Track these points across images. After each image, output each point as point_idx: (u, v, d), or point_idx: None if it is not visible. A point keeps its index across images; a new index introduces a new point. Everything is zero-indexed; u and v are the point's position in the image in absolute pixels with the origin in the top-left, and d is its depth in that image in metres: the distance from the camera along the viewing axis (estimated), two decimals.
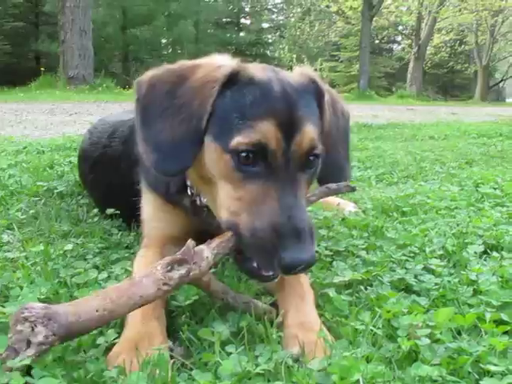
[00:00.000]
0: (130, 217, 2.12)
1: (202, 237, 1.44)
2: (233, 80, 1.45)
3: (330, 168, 1.60)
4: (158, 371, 1.11)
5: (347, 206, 2.79)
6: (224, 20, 37.33)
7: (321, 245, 2.04)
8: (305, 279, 1.63)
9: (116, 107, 11.88)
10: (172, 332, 1.37)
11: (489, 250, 2.11)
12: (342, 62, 41.94)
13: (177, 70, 1.54)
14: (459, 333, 1.42)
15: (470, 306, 1.60)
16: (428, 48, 36.84)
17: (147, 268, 1.30)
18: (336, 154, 1.63)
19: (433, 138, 6.34)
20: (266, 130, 1.36)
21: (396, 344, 1.32)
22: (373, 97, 27.92)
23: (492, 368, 1.21)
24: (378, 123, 7.58)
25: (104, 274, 1.68)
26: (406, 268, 1.87)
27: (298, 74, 1.59)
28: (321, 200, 2.76)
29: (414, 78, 33.56)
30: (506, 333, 1.41)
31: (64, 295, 1.50)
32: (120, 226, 2.24)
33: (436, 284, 1.74)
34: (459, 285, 1.74)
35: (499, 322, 1.47)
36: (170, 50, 38.17)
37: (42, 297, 1.49)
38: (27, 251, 1.84)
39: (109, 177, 2.28)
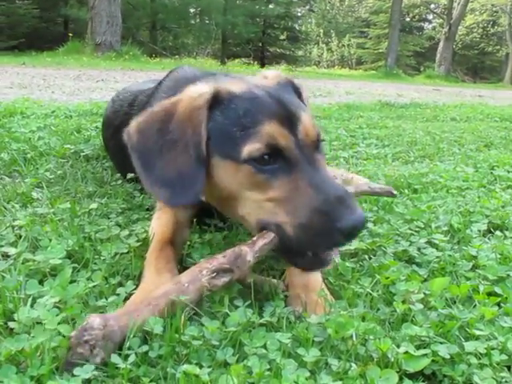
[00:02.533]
0: None
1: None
2: (216, 101, 1.52)
3: None
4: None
5: (360, 181, 2.88)
6: None
7: None
8: None
9: (142, 75, 11.99)
10: None
11: (492, 230, 2.20)
12: (370, 38, 41.34)
13: (160, 110, 1.59)
14: (454, 302, 1.52)
15: (467, 278, 1.70)
16: (459, 28, 36.21)
17: (192, 272, 1.36)
18: None
19: (454, 119, 6.36)
20: (271, 131, 1.44)
21: (392, 307, 1.43)
22: (400, 76, 27.64)
23: (477, 332, 1.32)
24: (401, 102, 7.57)
25: (126, 232, 1.81)
26: (410, 241, 1.97)
27: (268, 77, 1.72)
28: (335, 173, 2.89)
29: (443, 58, 33.05)
30: (497, 304, 1.51)
31: (88, 248, 1.63)
32: (141, 190, 2.36)
33: (437, 257, 1.84)
34: (459, 259, 1.83)
35: (492, 295, 1.57)
36: (198, 20, 38.01)
37: (69, 248, 1.62)
38: (55, 208, 1.97)
39: None
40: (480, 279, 1.68)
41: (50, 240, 1.65)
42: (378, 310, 1.44)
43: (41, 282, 1.44)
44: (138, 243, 1.68)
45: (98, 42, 21.73)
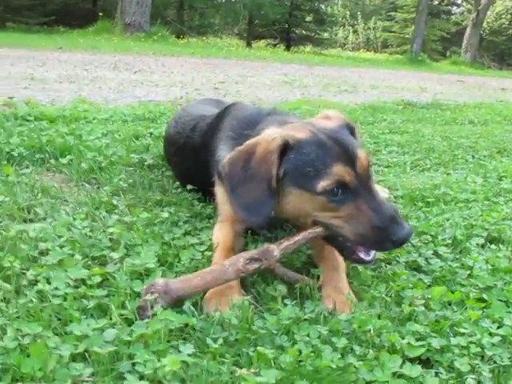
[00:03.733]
0: (206, 193, 2.77)
1: None
2: (287, 146, 2.03)
3: None
4: (241, 311, 1.74)
5: (382, 191, 3.34)
6: None
7: None
8: (336, 253, 2.23)
9: (174, 62, 12.50)
10: (245, 288, 2.00)
11: (489, 243, 2.66)
12: (397, 22, 41.19)
13: (244, 150, 2.12)
14: (450, 304, 2.00)
15: (462, 285, 2.17)
16: (488, 13, 35.98)
17: (233, 258, 1.91)
18: None
19: (472, 122, 6.76)
20: (339, 171, 1.96)
21: (401, 308, 1.91)
22: (425, 62, 27.72)
23: (463, 330, 1.80)
24: (422, 102, 7.97)
25: (195, 239, 2.31)
26: (419, 252, 2.44)
27: (331, 118, 2.22)
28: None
29: (469, 44, 32.99)
30: (483, 308, 1.99)
31: (172, 254, 2.14)
32: (199, 199, 2.86)
33: (440, 267, 2.31)
34: (458, 269, 2.30)
35: (480, 300, 2.04)
36: (225, 0, 38.19)
37: (156, 254, 2.12)
38: (136, 216, 2.48)
39: (189, 161, 2.90)
40: (472, 287, 2.15)
41: (141, 246, 2.17)
42: (391, 309, 1.92)
43: (141, 280, 1.96)
44: (210, 252, 2.17)
45: (128, 22, 22.17)
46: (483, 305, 2.00)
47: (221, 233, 2.32)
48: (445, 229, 2.74)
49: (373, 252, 2.05)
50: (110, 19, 23.11)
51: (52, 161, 3.20)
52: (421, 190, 3.36)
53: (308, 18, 35.18)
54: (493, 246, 2.60)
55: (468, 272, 2.28)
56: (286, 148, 2.03)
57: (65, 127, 3.88)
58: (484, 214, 3.03)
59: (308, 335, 1.69)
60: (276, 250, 1.92)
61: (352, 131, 2.21)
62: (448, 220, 2.89)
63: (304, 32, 34.67)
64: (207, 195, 2.79)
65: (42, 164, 3.20)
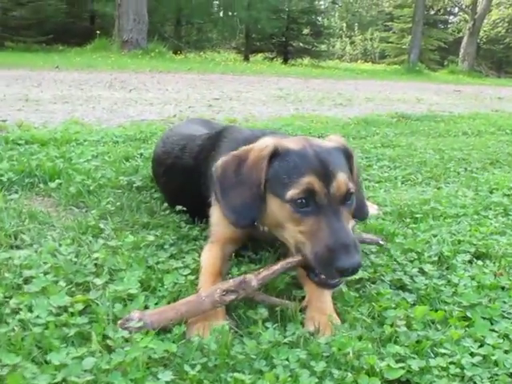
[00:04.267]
0: (195, 214, 2.78)
1: (254, 240, 2.26)
2: (276, 153, 2.10)
3: (357, 205, 2.21)
4: (221, 336, 1.74)
5: (371, 208, 3.35)
6: None
7: None
8: None
9: (170, 79, 12.56)
10: (229, 311, 2.01)
11: (475, 259, 2.66)
12: (394, 32, 41.45)
13: (237, 155, 2.20)
14: (433, 323, 2.01)
15: (446, 303, 2.17)
16: (485, 22, 36.16)
17: (211, 290, 1.92)
18: (359, 195, 2.29)
19: (466, 133, 6.78)
20: (309, 181, 1.99)
21: (382, 329, 1.92)
22: (422, 72, 27.86)
23: (443, 350, 1.80)
24: (417, 114, 8.00)
25: (179, 263, 2.32)
26: (404, 270, 2.45)
27: (331, 140, 2.26)
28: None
29: (466, 53, 33.17)
30: (466, 326, 1.99)
31: (155, 279, 2.15)
32: (187, 220, 2.87)
33: (425, 285, 2.31)
34: (443, 286, 2.31)
35: (463, 319, 2.05)
36: (222, 15, 38.44)
37: (139, 279, 2.13)
38: (121, 240, 2.49)
39: (179, 182, 2.91)
40: (456, 305, 2.15)
41: (125, 270, 2.18)
42: (372, 331, 1.92)
43: (124, 305, 1.97)
44: (194, 276, 2.18)
45: (125, 39, 22.35)
46: (466, 323, 2.01)
47: (210, 254, 2.33)
48: (431, 245, 2.75)
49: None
50: (107, 37, 23.30)
51: (41, 185, 3.23)
52: (409, 206, 3.37)
53: (305, 31, 35.44)
54: (479, 262, 2.60)
55: (453, 289, 2.29)
56: (275, 155, 2.11)
57: (55, 150, 3.91)
58: (472, 229, 3.04)
59: (287, 359, 1.70)
60: (254, 280, 1.93)
61: (348, 157, 2.23)
62: (435, 236, 2.90)
63: (301, 45, 34.94)
64: (195, 217, 2.81)
65: (31, 188, 3.21)
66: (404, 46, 36.77)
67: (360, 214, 2.35)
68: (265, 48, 35.08)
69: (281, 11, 34.60)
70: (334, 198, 2.01)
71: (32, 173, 3.32)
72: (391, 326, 1.93)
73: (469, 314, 2.09)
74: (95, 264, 2.27)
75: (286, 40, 34.77)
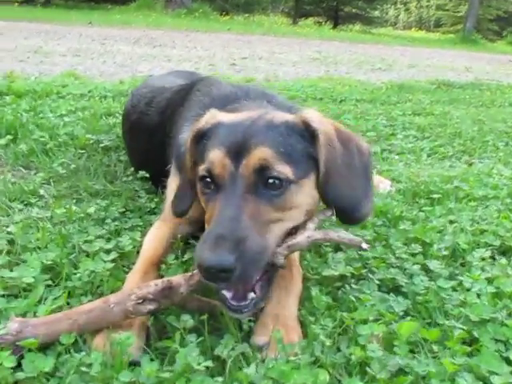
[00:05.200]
0: (158, 182, 2.27)
1: None
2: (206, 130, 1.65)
3: (342, 204, 1.63)
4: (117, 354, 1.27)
5: (382, 183, 2.81)
6: None
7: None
8: (297, 270, 1.73)
9: (205, 38, 12.02)
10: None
11: (499, 255, 2.10)
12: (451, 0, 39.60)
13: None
14: (423, 346, 1.48)
15: (449, 316, 1.64)
16: None
17: (123, 294, 1.43)
18: (348, 190, 1.64)
19: None
20: (212, 158, 1.51)
21: (350, 351, 1.40)
22: (478, 42, 26.50)
23: None
24: (461, 82, 7.26)
25: (110, 244, 1.83)
26: (402, 267, 1.91)
27: (294, 115, 1.66)
28: None
29: None
30: (469, 353, 1.45)
31: (67, 264, 1.67)
32: (149, 189, 2.39)
33: (425, 288, 1.77)
34: (450, 291, 1.76)
35: (467, 343, 1.51)
36: None
37: (48, 262, 1.66)
38: (52, 211, 2.02)
39: (142, 142, 2.42)
40: (461, 320, 1.60)
41: (34, 251, 1.71)
42: (336, 352, 1.41)
43: (16, 297, 1.52)
44: (113, 264, 1.69)
45: None
46: (470, 349, 1.46)
47: (155, 235, 1.86)
48: (445, 235, 2.19)
49: (251, 295, 1.47)
50: None
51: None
52: (428, 184, 2.79)
53: None
54: (503, 261, 2.03)
55: (462, 297, 1.73)
56: (205, 133, 1.66)
57: (30, 103, 3.45)
58: (501, 216, 2.45)
59: None
60: (183, 285, 1.44)
61: (310, 138, 1.61)
62: (452, 223, 2.33)
63: (353, 10, 33.74)
64: (159, 185, 2.30)
65: None
66: (461, 14, 35.08)
67: (348, 217, 1.69)
68: (314, 12, 34.06)
69: None
70: (242, 180, 1.47)
71: None
72: (362, 348, 1.41)
73: (476, 335, 1.54)
74: (7, 240, 1.81)
75: (337, 4, 33.64)
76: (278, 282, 1.65)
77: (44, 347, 1.32)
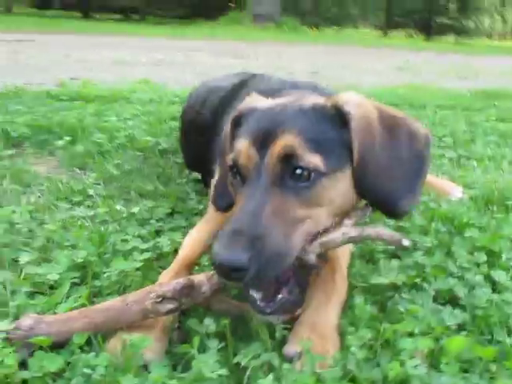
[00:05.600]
0: (208, 183, 2.19)
1: None
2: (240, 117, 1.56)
3: (378, 198, 1.46)
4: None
5: (453, 190, 2.60)
6: None
7: None
8: (341, 277, 1.59)
9: (288, 50, 11.99)
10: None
11: None
12: None
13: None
14: (476, 365, 1.30)
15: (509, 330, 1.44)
16: None
17: (142, 292, 1.34)
18: (388, 183, 1.45)
19: None
20: (238, 147, 1.39)
21: (388, 367, 1.24)
22: None
23: None
24: None
25: (149, 244, 1.76)
26: (463, 277, 1.71)
27: (326, 100, 1.50)
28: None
29: None
30: None
31: (98, 263, 1.61)
32: (201, 191, 2.32)
33: (487, 301, 1.57)
34: None
35: None
36: None
37: (80, 260, 1.60)
38: (96, 210, 1.98)
39: (195, 142, 2.36)
40: None
41: (66, 248, 1.67)
42: (372, 369, 1.26)
43: (43, 295, 1.47)
44: (144, 263, 1.61)
45: (258, 12, 22.16)
46: None
47: (194, 236, 1.76)
48: None
49: (279, 297, 1.34)
50: (241, 10, 23.27)
51: (56, 142, 2.80)
52: (504, 190, 2.55)
53: (451, 6, 33.33)
54: None
55: None
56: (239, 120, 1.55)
57: (96, 107, 3.48)
58: None
59: None
60: (206, 284, 1.34)
61: (341, 122, 1.44)
62: None
63: (446, 21, 32.85)
64: (208, 187, 2.23)
65: (43, 146, 2.80)
66: None
67: (388, 209, 1.50)
68: (406, 24, 33.43)
69: None
70: (267, 171, 1.33)
71: (52, 129, 2.91)
72: (401, 364, 1.25)
73: None
74: (47, 238, 1.78)
75: (430, 15, 32.88)
76: (318, 287, 1.52)
77: (59, 346, 1.26)
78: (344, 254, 1.72)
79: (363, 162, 1.41)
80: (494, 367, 1.29)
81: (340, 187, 1.40)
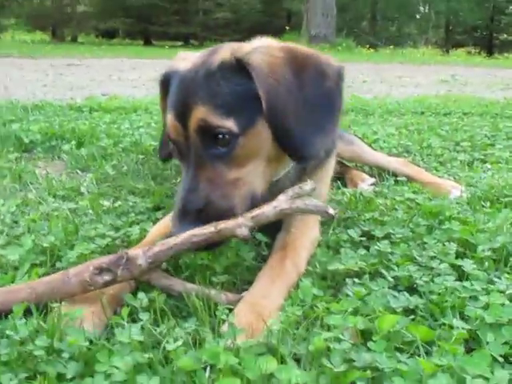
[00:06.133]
0: None
1: None
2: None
3: (290, 142, 1.49)
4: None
5: (452, 189, 2.55)
6: None
7: (354, 228, 1.93)
8: (291, 261, 1.60)
9: None
10: None
11: None
12: None
13: None
14: (409, 349, 1.27)
15: (467, 319, 1.40)
16: None
17: (83, 265, 1.39)
18: (298, 125, 1.47)
19: None
20: (167, 122, 1.51)
21: (310, 343, 1.23)
22: None
23: None
24: None
25: (119, 233, 1.81)
26: (429, 265, 1.68)
27: (231, 53, 1.53)
28: (420, 176, 2.60)
29: None
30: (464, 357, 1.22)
31: (63, 247, 1.68)
32: None
33: (445, 288, 1.54)
34: (475, 292, 1.51)
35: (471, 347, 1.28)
36: (421, 8, 36.85)
37: (45, 245, 1.67)
38: (78, 204, 2.06)
39: None
40: (471, 322, 1.37)
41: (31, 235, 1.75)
42: (297, 345, 1.26)
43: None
44: (101, 248, 1.67)
45: (313, 34, 22.34)
46: (462, 349, 1.23)
47: (161, 222, 1.84)
48: (496, 236, 1.90)
49: None
50: (297, 32, 23.49)
51: (63, 147, 2.93)
52: (503, 188, 2.48)
53: None
54: None
55: (491, 299, 1.46)
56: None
57: (114, 117, 3.61)
58: None
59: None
60: (141, 257, 1.38)
61: (245, 74, 1.46)
62: None
63: (509, 37, 32.19)
64: None
65: (53, 151, 2.94)
66: None
67: (297, 153, 1.51)
68: (466, 41, 32.88)
69: (484, 1, 32.18)
70: (192, 143, 1.44)
71: (63, 136, 3.05)
72: (326, 339, 1.24)
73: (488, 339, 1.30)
74: (27, 227, 1.87)
75: (491, 32, 32.26)
76: (265, 272, 1.54)
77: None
78: (304, 242, 1.73)
79: (271, 109, 1.44)
80: (434, 349, 1.27)
81: (258, 141, 1.47)
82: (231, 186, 1.43)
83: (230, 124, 1.41)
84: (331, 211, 1.40)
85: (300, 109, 1.48)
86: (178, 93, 1.51)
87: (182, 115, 1.45)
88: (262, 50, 1.52)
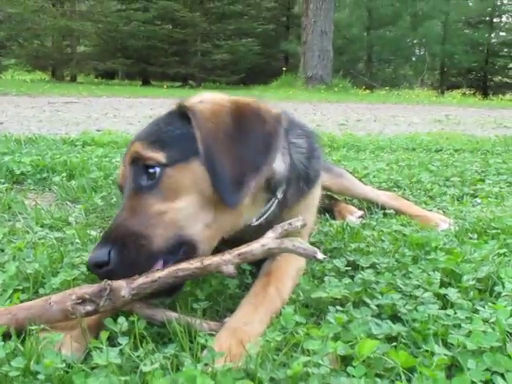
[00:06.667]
0: None
1: None
2: None
3: (225, 182, 1.50)
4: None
5: (441, 221, 2.56)
6: (475, 19, 35.00)
7: (340, 258, 1.94)
8: (275, 291, 1.61)
9: (330, 107, 12.13)
10: None
11: None
12: None
13: None
14: (389, 374, 1.27)
15: (450, 347, 1.39)
16: None
17: (65, 293, 1.39)
18: (233, 166, 1.51)
19: None
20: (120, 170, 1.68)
21: (290, 369, 1.23)
22: None
23: None
24: None
25: None
26: (411, 294, 1.68)
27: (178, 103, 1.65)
28: (409, 210, 2.62)
29: None
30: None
31: (47, 274, 1.68)
32: None
33: (428, 315, 1.54)
34: (459, 321, 1.51)
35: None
36: (416, 50, 37.46)
37: (29, 271, 1.67)
38: (65, 233, 2.07)
39: None
40: (452, 349, 1.37)
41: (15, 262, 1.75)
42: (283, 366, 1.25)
43: None
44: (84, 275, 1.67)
45: (309, 75, 22.62)
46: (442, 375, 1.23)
47: None
48: (481, 266, 1.91)
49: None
50: (294, 74, 23.76)
51: (54, 179, 2.95)
52: (490, 221, 2.49)
53: (510, 65, 33.22)
54: None
55: (473, 326, 1.47)
56: None
57: (105, 151, 3.65)
58: None
59: None
60: (124, 288, 1.37)
61: (188, 119, 1.55)
62: (501, 256, 2.04)
63: (503, 79, 32.69)
64: None
65: (44, 183, 2.96)
66: None
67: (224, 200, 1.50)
68: (461, 83, 33.33)
69: (479, 44, 32.76)
70: (128, 176, 1.55)
71: (54, 168, 3.07)
72: (305, 364, 1.23)
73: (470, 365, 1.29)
74: (13, 255, 1.86)
75: (485, 74, 32.75)
76: (248, 299, 1.55)
77: None
78: (290, 271, 1.74)
79: (208, 150, 1.50)
80: (415, 375, 1.26)
81: (190, 178, 1.50)
82: (154, 217, 1.44)
83: (158, 156, 1.48)
84: (320, 256, 1.39)
85: (237, 150, 1.53)
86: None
87: (125, 156, 1.60)
88: (207, 100, 1.62)
